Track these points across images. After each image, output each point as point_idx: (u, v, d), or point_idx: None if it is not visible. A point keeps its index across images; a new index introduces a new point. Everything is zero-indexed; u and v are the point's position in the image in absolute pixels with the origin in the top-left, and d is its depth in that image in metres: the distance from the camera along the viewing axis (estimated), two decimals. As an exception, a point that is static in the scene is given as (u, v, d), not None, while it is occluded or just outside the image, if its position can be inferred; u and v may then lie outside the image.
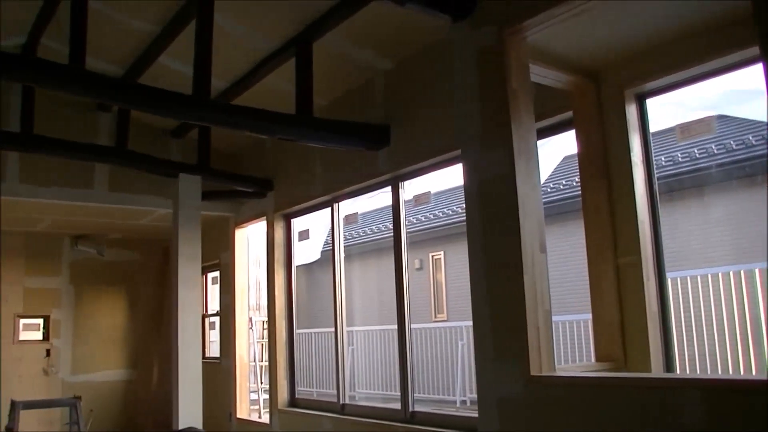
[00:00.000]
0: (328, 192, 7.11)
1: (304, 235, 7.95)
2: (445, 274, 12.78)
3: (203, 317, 9.86)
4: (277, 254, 7.91)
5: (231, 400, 8.54)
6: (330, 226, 7.30)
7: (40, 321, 9.91)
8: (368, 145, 6.24)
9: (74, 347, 9.96)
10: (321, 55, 6.02)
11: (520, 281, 3.58)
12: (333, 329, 7.09)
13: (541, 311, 3.62)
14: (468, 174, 3.97)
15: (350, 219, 7.28)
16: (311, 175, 7.33)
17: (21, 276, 9.70)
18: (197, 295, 7.38)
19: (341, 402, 6.88)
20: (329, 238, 7.38)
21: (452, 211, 12.57)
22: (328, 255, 7.29)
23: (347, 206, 7.32)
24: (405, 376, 6.05)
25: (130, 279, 10.46)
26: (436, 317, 12.75)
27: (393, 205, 6.41)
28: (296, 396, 7.71)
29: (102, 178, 7.92)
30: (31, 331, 9.87)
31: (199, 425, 7.06)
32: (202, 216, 8.91)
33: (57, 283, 9.97)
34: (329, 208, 7.25)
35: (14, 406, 4.90)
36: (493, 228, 3.78)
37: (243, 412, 8.41)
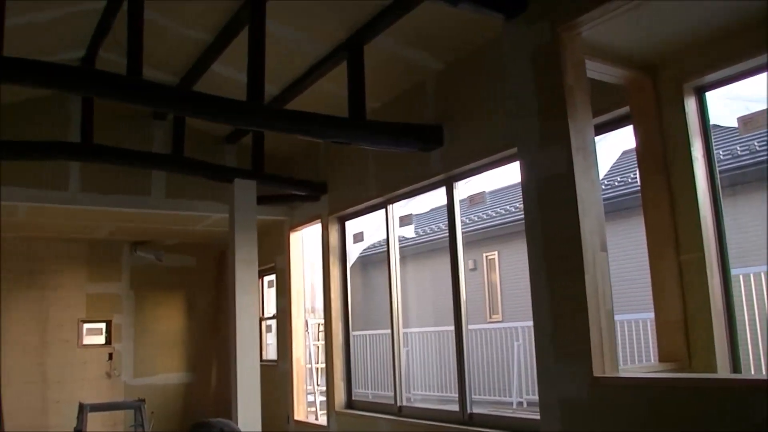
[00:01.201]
0: (382, 194, 7.12)
1: (358, 237, 7.98)
2: (500, 275, 12.67)
3: (260, 320, 9.99)
4: (332, 257, 7.97)
5: (288, 403, 8.62)
6: (384, 227, 7.31)
7: (103, 325, 10.19)
8: (421, 146, 6.23)
9: (135, 351, 10.21)
10: (372, 57, 6.04)
11: (581, 281, 3.52)
12: (389, 331, 7.11)
13: (603, 311, 3.55)
14: (525, 172, 3.92)
15: (405, 220, 7.27)
16: (365, 177, 7.36)
17: (83, 282, 10.00)
18: (254, 299, 7.48)
19: (398, 404, 6.88)
20: (384, 239, 7.39)
21: (506, 210, 12.44)
22: (384, 256, 7.28)
23: (401, 207, 7.31)
24: (462, 378, 6.01)
25: (187, 284, 10.67)
26: (491, 318, 12.65)
27: (447, 206, 6.39)
28: (353, 398, 7.74)
29: (159, 185, 8.10)
30: (94, 335, 10.17)
31: (258, 427, 7.15)
32: (258, 220, 9.06)
33: (118, 288, 10.24)
34: (383, 210, 7.27)
35: (82, 408, 5.04)
36: (552, 227, 3.73)
37: (300, 414, 8.49)
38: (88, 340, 10.06)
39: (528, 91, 3.93)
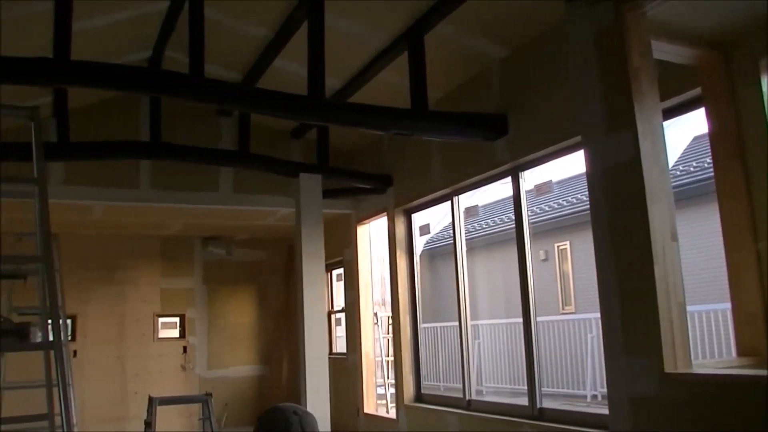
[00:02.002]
0: (447, 185, 7.03)
1: (424, 229, 7.92)
2: (572, 265, 12.36)
3: (329, 314, 10.06)
4: (399, 249, 7.93)
5: (358, 396, 8.64)
6: (450, 219, 7.22)
7: (177, 319, 10.47)
8: (486, 135, 6.11)
9: (209, 344, 10.45)
10: (433, 46, 5.95)
11: (651, 272, 3.35)
12: (458, 323, 7.04)
13: (674, 303, 3.38)
14: (590, 160, 3.77)
15: (471, 211, 7.16)
16: (430, 168, 7.28)
17: (157, 277, 10.28)
18: (322, 292, 7.50)
19: (467, 398, 6.79)
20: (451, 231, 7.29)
21: (577, 200, 12.13)
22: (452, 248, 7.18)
23: (468, 199, 7.21)
24: (532, 372, 5.88)
25: (258, 278, 10.84)
26: (563, 309, 12.37)
27: (514, 196, 6.24)
28: (422, 391, 7.70)
29: (226, 181, 8.23)
30: (168, 329, 10.46)
31: (327, 421, 7.19)
32: (324, 214, 9.10)
33: (191, 283, 10.49)
34: (449, 202, 7.18)
35: (152, 401, 5.17)
36: (619, 216, 3.57)
37: (370, 407, 8.51)
38: (163, 333, 10.36)
39: (592, 75, 3.77)
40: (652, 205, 3.41)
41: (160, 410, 9.52)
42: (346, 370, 9.04)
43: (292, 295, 10.80)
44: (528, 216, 6.24)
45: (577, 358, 10.32)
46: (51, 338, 3.80)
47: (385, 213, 8.18)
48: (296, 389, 10.37)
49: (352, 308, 8.99)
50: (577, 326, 10.49)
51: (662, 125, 3.60)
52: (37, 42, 5.40)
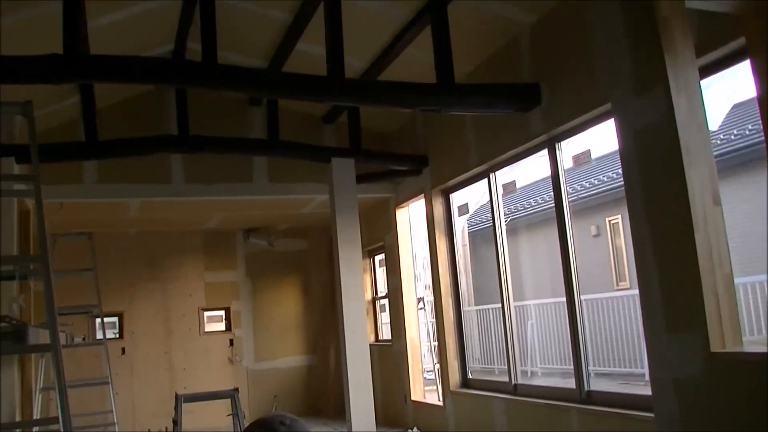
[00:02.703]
0: (483, 162, 6.74)
1: (463, 209, 7.64)
2: (625, 239, 11.87)
3: (374, 300, 9.89)
4: (438, 231, 7.68)
5: (405, 382, 8.45)
6: (488, 197, 6.93)
7: (222, 313, 10.46)
8: (517, 106, 5.80)
9: (255, 336, 10.40)
10: (459, 17, 5.67)
11: (691, 240, 3.03)
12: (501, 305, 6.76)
13: (720, 274, 3.05)
14: (620, 124, 3.45)
15: (508, 188, 6.85)
16: (465, 146, 7.00)
17: (202, 271, 10.28)
18: (359, 279, 7.34)
19: (513, 382, 6.52)
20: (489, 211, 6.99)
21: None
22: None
23: (504, 175, 6.90)
24: (578, 353, 5.57)
25: (302, 267, 10.73)
26: (618, 285, 11.90)
27: (551, 169, 5.92)
28: (468, 376, 7.45)
29: (260, 171, 8.11)
30: (215, 322, 10.46)
31: (371, 410, 7.02)
32: (362, 199, 8.91)
33: (234, 276, 10.45)
34: (486, 179, 6.89)
35: (178, 399, 5.07)
36: (655, 181, 3.25)
37: (417, 393, 8.30)
38: (209, 327, 10.36)
39: (618, 30, 3.44)
40: (690, 168, 3.09)
41: (212, 403, 9.55)
42: (392, 356, 8.85)
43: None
44: (567, 191, 5.91)
45: (634, 336, 9.90)
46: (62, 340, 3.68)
47: (423, 195, 7.93)
48: (341, 376, 10.27)
49: (395, 294, 8.79)
50: (632, 302, 10.06)
51: (698, 79, 3.25)
52: (48, 42, 5.29)
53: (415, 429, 7.88)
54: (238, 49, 7.14)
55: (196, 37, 6.72)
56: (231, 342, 10.28)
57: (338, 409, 9.52)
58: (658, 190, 3.23)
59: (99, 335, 9.77)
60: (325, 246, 10.86)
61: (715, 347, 2.96)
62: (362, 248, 9.81)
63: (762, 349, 2.98)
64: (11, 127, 6.71)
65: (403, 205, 8.62)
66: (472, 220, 16.58)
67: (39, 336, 3.62)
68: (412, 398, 8.29)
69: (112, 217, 8.76)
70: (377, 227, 9.25)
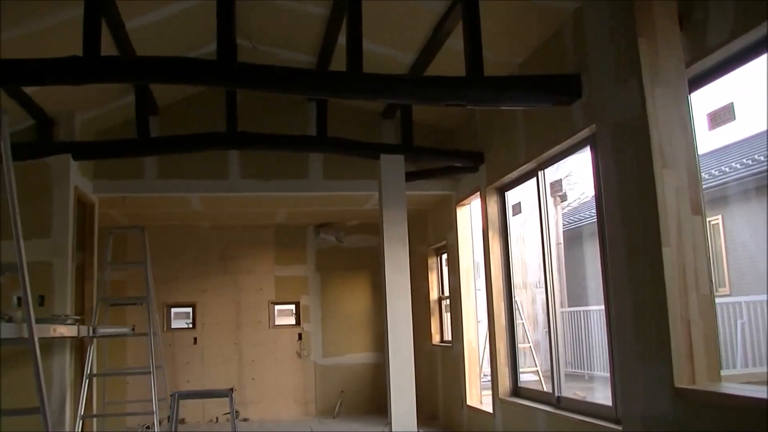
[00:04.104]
0: (531, 158, 6.31)
1: (516, 208, 7.23)
2: (725, 242, 10.88)
3: (439, 300, 9.62)
4: (492, 231, 7.31)
5: (462, 386, 8.15)
6: (536, 198, 6.49)
7: (292, 307, 10.53)
8: (554, 99, 5.35)
9: (324, 331, 10.40)
10: (501, 5, 5.31)
11: (658, 255, 2.62)
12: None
13: (694, 297, 2.62)
14: (600, 119, 3.06)
15: (555, 187, 6.39)
16: (515, 142, 6.60)
17: (272, 265, 10.39)
18: (406, 277, 7.10)
19: (556, 393, 6.08)
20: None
21: (730, 168, 10.62)
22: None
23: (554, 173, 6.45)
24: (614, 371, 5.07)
25: (371, 264, 10.60)
26: (717, 291, 10.94)
27: (593, 168, 5.42)
28: (519, 384, 7.06)
29: (316, 167, 8.05)
30: (284, 316, 10.55)
31: (413, 417, 6.79)
32: (424, 196, 8.68)
33: (304, 270, 10.49)
34: (534, 178, 6.46)
35: (173, 396, 5.08)
36: (627, 185, 2.85)
37: (473, 399, 7.97)
38: (278, 321, 10.46)
39: (601, 13, 3.04)
40: (661, 169, 2.67)
41: (279, 396, 9.67)
42: (453, 359, 8.56)
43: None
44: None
45: (726, 346, 9.08)
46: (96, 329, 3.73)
47: (479, 192, 7.58)
48: (409, 378, 10.06)
49: (455, 295, 8.48)
50: (727, 310, 9.22)
51: (683, 71, 2.80)
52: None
53: (458, 437, 7.58)
54: (285, 45, 7.11)
55: (244, 35, 6.87)
56: (300, 336, 10.33)
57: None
58: (630, 194, 2.82)
59: (174, 325, 10.18)
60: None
61: (681, 382, 2.54)
62: (429, 246, 9.65)
63: (736, 388, 2.51)
64: (71, 125, 6.99)
65: (463, 203, 8.29)
66: (573, 217, 15.83)
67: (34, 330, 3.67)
68: (468, 403, 7.97)
69: (180, 210, 9.01)
70: (441, 225, 8.98)
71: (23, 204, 6.53)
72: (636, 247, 2.75)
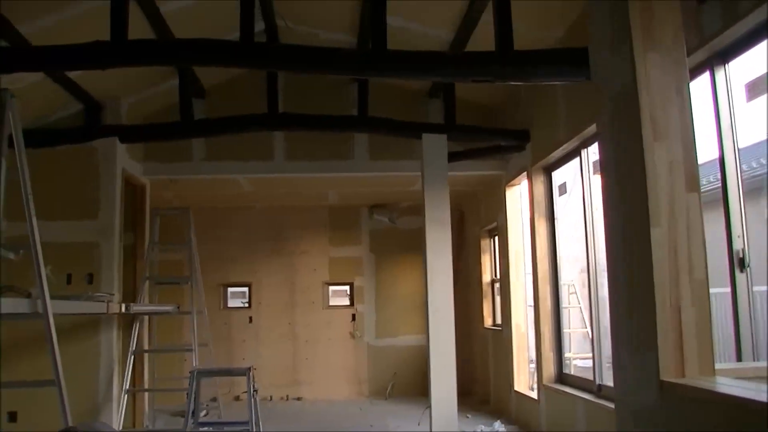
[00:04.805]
0: (572, 136, 6.03)
1: (562, 189, 6.94)
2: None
3: (492, 282, 9.41)
4: (537, 213, 7.06)
5: (510, 372, 7.95)
6: (579, 177, 6.21)
7: (346, 288, 10.53)
8: (586, 74, 5.06)
9: (377, 312, 10.36)
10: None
11: (646, 236, 2.40)
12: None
13: (686, 282, 2.40)
14: (601, 89, 2.84)
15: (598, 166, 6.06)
16: (557, 119, 6.33)
17: (327, 247, 10.40)
18: (448, 260, 6.94)
19: (597, 381, 5.83)
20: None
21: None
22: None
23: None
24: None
25: (425, 245, 10.46)
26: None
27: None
28: (564, 370, 6.81)
29: (361, 148, 7.98)
30: (338, 297, 10.56)
31: (453, 401, 6.66)
32: (472, 176, 8.48)
33: (359, 251, 10.46)
34: (578, 157, 6.18)
35: (192, 374, 5.12)
36: (622, 161, 2.63)
37: (521, 384, 7.76)
38: (332, 301, 10.49)
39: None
40: (651, 140, 2.45)
41: (332, 376, 9.72)
42: (503, 343, 8.36)
43: (461, 264, 10.30)
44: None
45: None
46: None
47: (525, 172, 7.33)
48: (461, 359, 9.91)
49: (504, 278, 8.26)
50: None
51: (680, 36, 2.55)
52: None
53: (498, 422, 7.39)
54: (325, 26, 7.06)
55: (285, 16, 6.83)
56: (353, 317, 10.33)
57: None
58: (624, 170, 2.60)
59: (230, 304, 10.37)
60: (451, 226, 10.49)
61: (668, 375, 2.33)
62: (482, 228, 9.43)
63: (727, 384, 2.27)
64: (117, 109, 7.16)
65: (512, 183, 8.04)
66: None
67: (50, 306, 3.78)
68: (515, 388, 7.77)
69: (231, 192, 9.13)
70: (492, 207, 8.76)
71: (72, 186, 6.86)
72: (629, 227, 2.54)
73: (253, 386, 5.00)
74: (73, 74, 6.32)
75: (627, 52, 2.49)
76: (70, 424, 3.58)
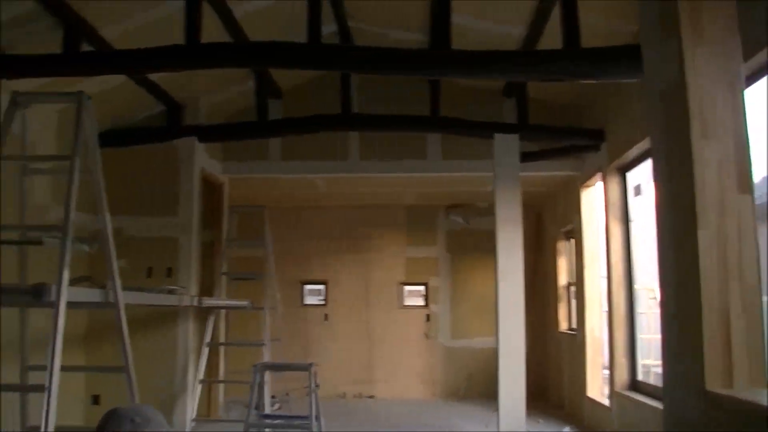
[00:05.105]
0: (643, 136, 5.82)
1: (637, 190, 6.71)
2: None
3: (569, 285, 9.19)
4: (611, 215, 6.86)
5: (582, 377, 7.75)
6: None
7: (421, 288, 10.52)
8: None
9: (452, 313, 10.30)
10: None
11: (694, 239, 2.30)
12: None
13: (735, 288, 2.28)
14: (647, 84, 2.74)
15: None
16: (632, 118, 6.13)
17: (403, 246, 10.43)
18: (518, 259, 6.85)
19: (670, 391, 5.59)
20: None
21: None
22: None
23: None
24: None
25: (501, 247, 10.33)
26: None
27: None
28: (637, 377, 6.59)
29: (434, 148, 7.96)
30: (413, 297, 10.56)
31: (522, 405, 6.57)
32: (549, 177, 8.33)
33: (434, 252, 10.43)
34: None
35: (256, 367, 5.23)
36: (672, 160, 2.53)
37: (594, 391, 7.54)
38: (407, 301, 10.51)
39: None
40: (700, 139, 2.34)
41: (405, 376, 9.75)
42: (577, 347, 8.16)
43: (539, 266, 10.12)
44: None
45: None
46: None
47: (600, 173, 7.13)
48: (535, 363, 9.74)
49: (579, 281, 8.05)
50: None
51: (735, 28, 2.42)
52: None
53: (568, 428, 7.20)
54: (397, 24, 7.08)
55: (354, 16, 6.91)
56: (428, 317, 10.32)
57: (526, 395, 9.02)
58: (674, 171, 2.50)
59: (307, 301, 10.56)
60: (528, 226, 10.31)
61: (714, 385, 2.22)
62: (559, 229, 9.24)
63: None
64: (197, 110, 7.42)
65: (587, 184, 7.83)
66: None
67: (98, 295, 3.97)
68: (588, 394, 7.57)
69: (308, 191, 9.30)
70: (569, 208, 8.56)
71: (153, 184, 7.17)
72: (678, 229, 2.43)
73: (315, 382, 5.08)
74: (154, 76, 6.59)
75: (675, 47, 2.39)
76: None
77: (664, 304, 2.58)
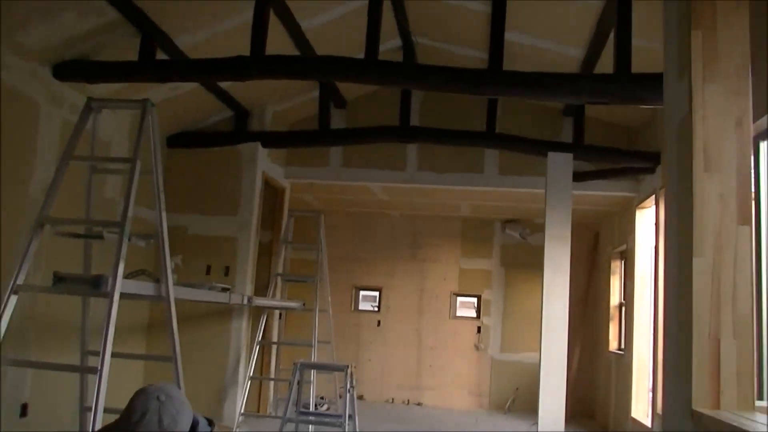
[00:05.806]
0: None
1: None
2: None
3: (620, 306, 9.14)
4: (663, 237, 6.83)
5: (627, 399, 7.72)
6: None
7: (474, 300, 10.62)
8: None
9: (503, 327, 10.36)
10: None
11: (689, 267, 2.42)
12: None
13: (728, 313, 2.38)
14: (666, 117, 2.85)
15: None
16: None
17: (457, 257, 10.57)
18: (564, 277, 6.92)
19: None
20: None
21: None
22: None
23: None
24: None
25: (557, 263, 10.33)
26: None
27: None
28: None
29: (492, 162, 8.10)
30: (465, 308, 10.68)
31: (561, 424, 6.60)
32: (605, 197, 8.34)
33: (489, 264, 10.53)
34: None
35: (296, 365, 5.48)
36: (677, 188, 2.65)
37: (639, 412, 7.51)
38: (460, 312, 10.63)
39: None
40: (700, 171, 2.46)
41: (453, 386, 9.87)
42: (624, 368, 8.13)
43: (593, 285, 10.09)
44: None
45: None
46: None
47: (654, 195, 7.12)
48: (585, 381, 9.72)
49: (629, 302, 8.04)
50: None
51: (747, 63, 2.51)
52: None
53: None
54: (455, 41, 7.27)
55: (417, 31, 7.13)
56: (479, 329, 10.42)
57: (574, 412, 9.03)
58: (680, 198, 2.62)
59: (361, 307, 10.81)
60: (585, 244, 10.33)
61: (699, 405, 2.33)
62: (613, 249, 9.21)
63: (758, 421, 2.22)
64: (263, 117, 7.79)
65: (643, 205, 7.81)
66: None
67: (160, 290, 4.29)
68: (632, 415, 7.54)
69: (367, 198, 9.56)
70: (623, 228, 8.55)
71: (218, 185, 7.56)
72: (680, 255, 2.54)
73: (351, 383, 5.31)
74: (223, 84, 6.98)
75: (687, 81, 2.51)
76: None
77: (666, 326, 2.69)
